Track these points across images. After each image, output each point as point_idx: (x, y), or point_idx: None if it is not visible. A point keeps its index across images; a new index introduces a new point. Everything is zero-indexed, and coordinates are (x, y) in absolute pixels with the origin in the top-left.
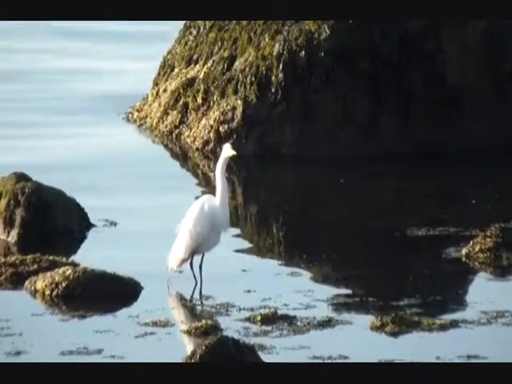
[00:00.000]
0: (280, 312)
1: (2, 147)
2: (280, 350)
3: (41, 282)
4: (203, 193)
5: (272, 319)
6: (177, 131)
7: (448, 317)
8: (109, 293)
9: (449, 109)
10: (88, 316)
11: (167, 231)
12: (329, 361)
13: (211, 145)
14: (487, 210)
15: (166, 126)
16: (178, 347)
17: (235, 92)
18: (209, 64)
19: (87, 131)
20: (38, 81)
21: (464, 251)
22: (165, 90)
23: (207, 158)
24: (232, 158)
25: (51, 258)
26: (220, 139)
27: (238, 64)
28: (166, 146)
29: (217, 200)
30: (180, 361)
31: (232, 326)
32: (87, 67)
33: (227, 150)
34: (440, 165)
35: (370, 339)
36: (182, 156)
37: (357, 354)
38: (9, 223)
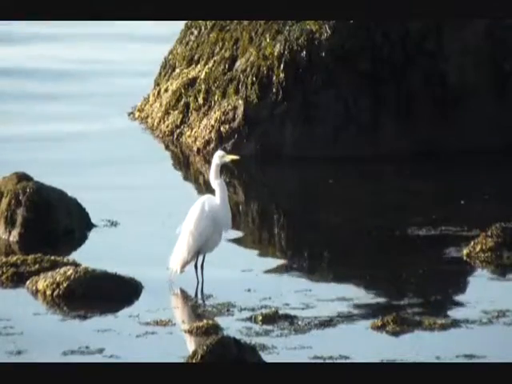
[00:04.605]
0: (281, 312)
1: (2, 146)
2: (281, 349)
3: (42, 282)
4: (204, 192)
5: (273, 319)
6: (178, 131)
7: (449, 316)
8: (110, 292)
9: (449, 109)
10: (89, 316)
11: (168, 230)
12: (330, 360)
13: (212, 145)
14: (487, 209)
15: (167, 126)
16: (180, 347)
17: (236, 92)
18: (210, 64)
19: (88, 130)
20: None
21: (465, 251)
22: (166, 90)
23: (208, 159)
24: (233, 163)
25: (52, 257)
26: (221, 139)
27: (239, 64)
28: (166, 146)
29: (217, 199)
30: (181, 360)
31: (233, 326)
32: (86, 68)
33: (220, 157)
34: (440, 165)
35: (371, 339)
36: (183, 156)
37: (358, 354)
38: (10, 223)
